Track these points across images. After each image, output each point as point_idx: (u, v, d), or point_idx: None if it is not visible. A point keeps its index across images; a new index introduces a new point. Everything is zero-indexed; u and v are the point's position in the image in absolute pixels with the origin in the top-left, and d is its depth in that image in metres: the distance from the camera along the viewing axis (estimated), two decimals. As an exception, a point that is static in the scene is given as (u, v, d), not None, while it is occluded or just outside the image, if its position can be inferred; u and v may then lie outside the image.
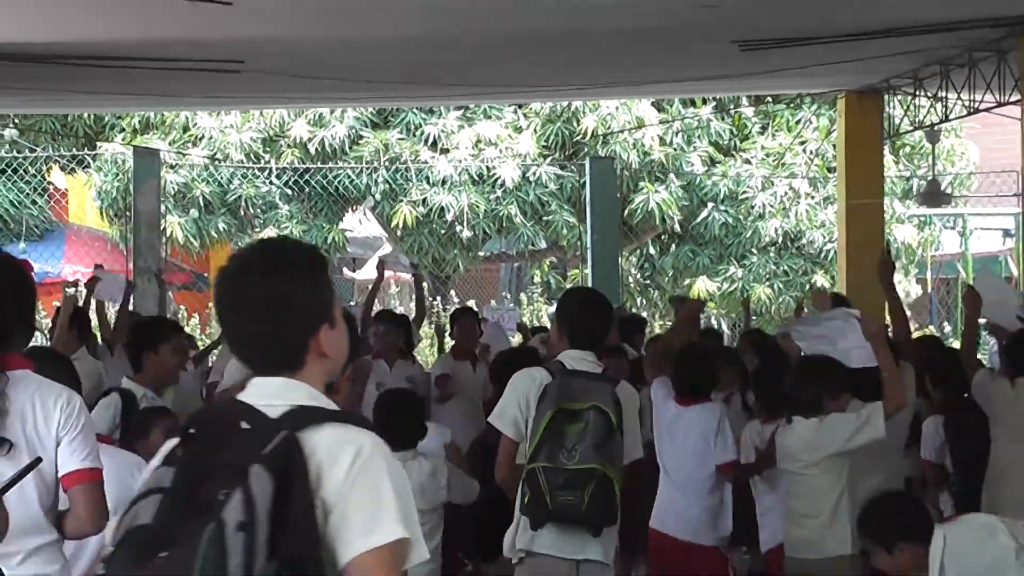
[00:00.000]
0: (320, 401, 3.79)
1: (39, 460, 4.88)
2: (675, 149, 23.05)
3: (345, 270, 23.48)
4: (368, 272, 23.34)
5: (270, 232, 22.72)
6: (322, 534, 3.61)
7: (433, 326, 18.90)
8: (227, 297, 3.81)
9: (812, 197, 23.25)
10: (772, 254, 23.26)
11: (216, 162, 22.96)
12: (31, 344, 6.77)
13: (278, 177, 23.28)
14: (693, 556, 9.06)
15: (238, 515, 3.48)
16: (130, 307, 13.68)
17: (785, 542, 8.48)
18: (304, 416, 3.70)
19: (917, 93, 16.23)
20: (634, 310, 21.42)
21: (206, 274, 24.45)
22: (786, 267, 22.89)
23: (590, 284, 17.74)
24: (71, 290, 15.23)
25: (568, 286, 23.33)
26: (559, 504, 7.16)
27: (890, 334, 9.16)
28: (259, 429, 3.65)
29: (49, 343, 11.70)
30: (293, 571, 3.53)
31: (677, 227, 23.18)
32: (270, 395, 3.76)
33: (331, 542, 3.60)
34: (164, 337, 8.72)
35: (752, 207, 23.16)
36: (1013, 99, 13.37)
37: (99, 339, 12.32)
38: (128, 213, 20.44)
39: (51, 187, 23.74)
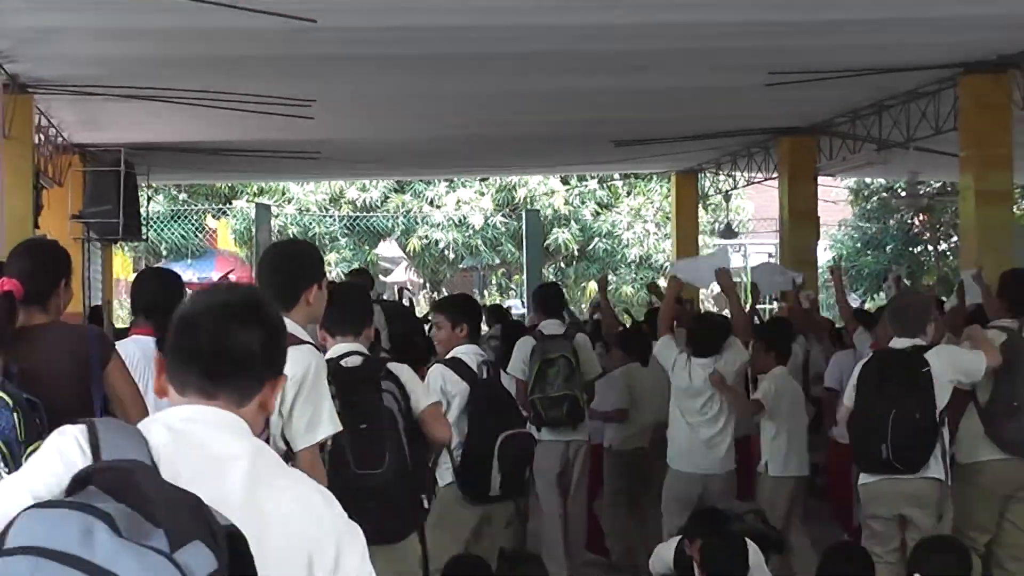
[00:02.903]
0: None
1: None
2: (574, 206, 23.04)
3: (380, 276, 23.31)
4: (394, 277, 23.19)
5: (334, 256, 22.63)
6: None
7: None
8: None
9: (657, 234, 23.26)
10: (633, 268, 23.25)
11: (300, 213, 22.81)
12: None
13: (339, 221, 23.12)
14: None
15: (396, 404, 4.17)
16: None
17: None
18: (380, 358, 4.47)
19: (718, 172, 16.23)
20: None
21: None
22: (642, 276, 22.83)
23: (525, 289, 17.59)
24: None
25: (512, 288, 23.38)
26: (550, 416, 7.31)
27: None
28: (367, 363, 4.19)
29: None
30: (417, 429, 4.26)
31: (576, 252, 23.15)
32: (354, 348, 4.19)
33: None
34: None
35: (621, 240, 23.16)
36: (773, 175, 13.48)
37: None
38: (251, 243, 20.29)
39: (206, 227, 23.57)
